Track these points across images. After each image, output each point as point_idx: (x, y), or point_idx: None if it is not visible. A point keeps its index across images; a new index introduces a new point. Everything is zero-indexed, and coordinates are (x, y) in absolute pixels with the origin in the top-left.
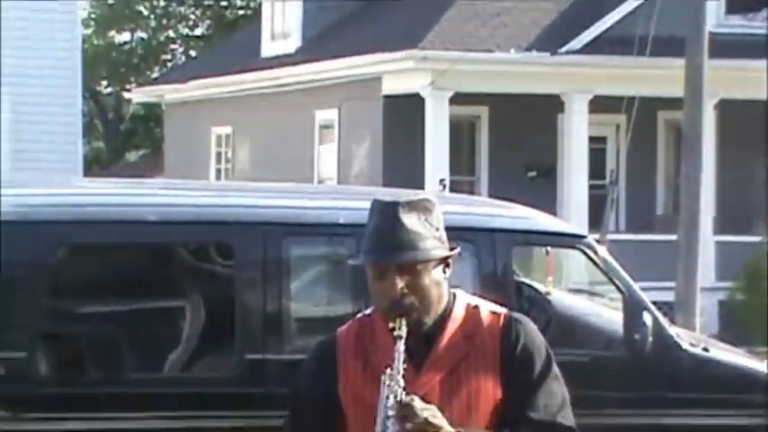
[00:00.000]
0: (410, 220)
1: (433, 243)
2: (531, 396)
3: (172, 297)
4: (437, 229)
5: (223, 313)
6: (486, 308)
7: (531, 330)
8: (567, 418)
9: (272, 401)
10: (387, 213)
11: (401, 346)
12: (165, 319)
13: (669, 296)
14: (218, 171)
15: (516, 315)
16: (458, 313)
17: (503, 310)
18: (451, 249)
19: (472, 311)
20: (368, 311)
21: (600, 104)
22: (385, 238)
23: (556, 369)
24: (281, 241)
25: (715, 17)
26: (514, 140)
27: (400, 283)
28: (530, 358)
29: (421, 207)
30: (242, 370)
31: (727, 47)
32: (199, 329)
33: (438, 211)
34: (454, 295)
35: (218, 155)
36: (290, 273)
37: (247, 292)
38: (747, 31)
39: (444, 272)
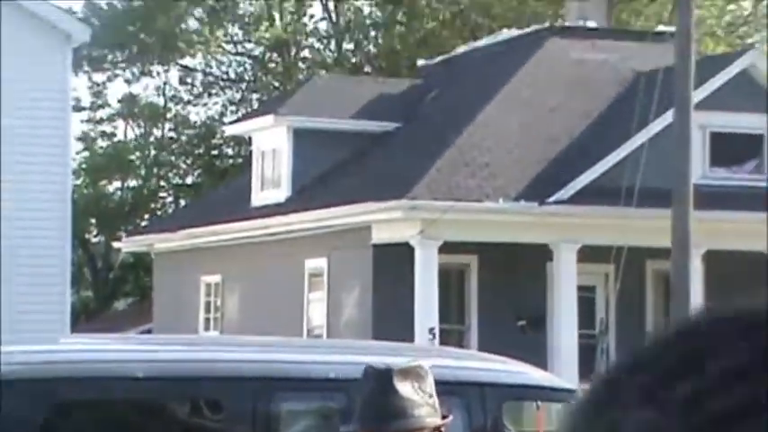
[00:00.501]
0: (404, 388)
1: (428, 410)
2: None
3: None
4: (430, 396)
5: None
6: None
7: None
8: None
9: None
10: (381, 380)
11: None
12: None
13: None
14: (207, 320)
15: None
16: None
17: None
18: (444, 417)
19: None
20: None
21: (588, 254)
22: (380, 405)
23: None
24: (271, 396)
25: (700, 169)
26: (504, 289)
27: None
28: None
29: (414, 374)
30: None
31: (712, 198)
32: None
33: (431, 378)
34: None
35: (208, 304)
36: (279, 429)
37: None
38: (732, 183)
39: None
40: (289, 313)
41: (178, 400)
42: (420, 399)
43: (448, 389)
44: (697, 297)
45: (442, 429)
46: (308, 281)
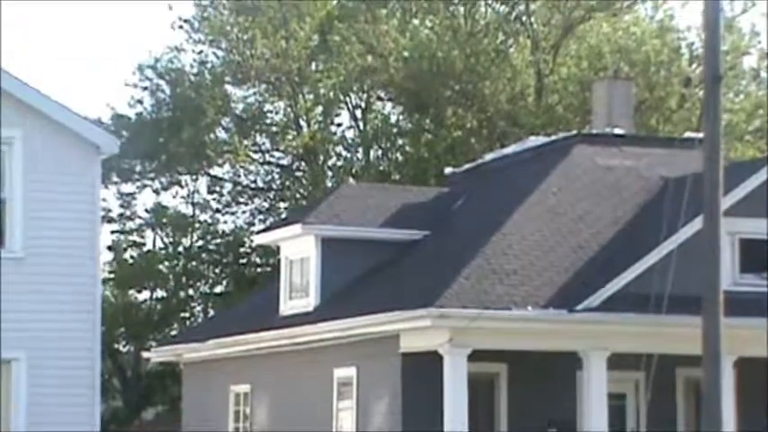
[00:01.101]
0: None
1: None
2: None
3: None
4: None
5: None
6: None
7: None
8: None
9: None
10: None
11: None
12: None
13: None
14: (237, 429)
15: None
16: None
17: None
18: None
19: None
20: None
21: (618, 361)
22: None
23: None
24: None
25: (730, 276)
26: (534, 397)
27: None
28: None
29: None
30: None
31: (742, 305)
32: None
33: None
34: None
35: (237, 413)
36: None
37: None
38: (762, 289)
39: None
40: (318, 422)
41: None
42: None
43: None
44: (728, 405)
45: None
46: (336, 389)
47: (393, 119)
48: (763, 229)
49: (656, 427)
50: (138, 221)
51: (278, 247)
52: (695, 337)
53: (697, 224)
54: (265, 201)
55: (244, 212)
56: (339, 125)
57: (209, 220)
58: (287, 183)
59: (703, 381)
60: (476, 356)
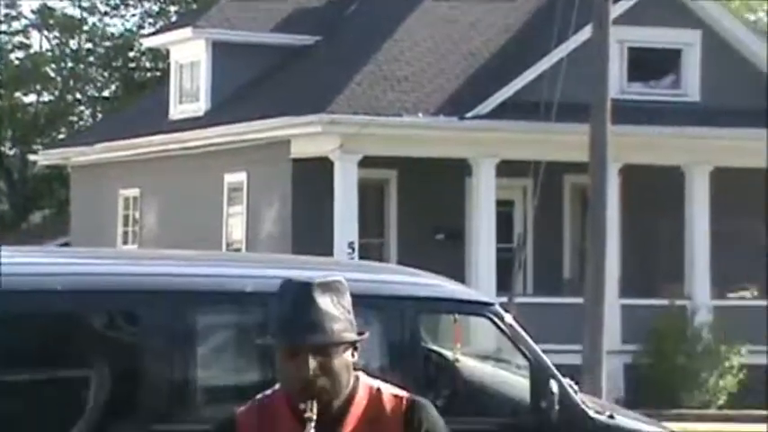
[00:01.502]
0: (324, 302)
1: (346, 325)
2: None
3: (77, 367)
4: (348, 312)
5: (129, 383)
6: (388, 391)
7: (434, 415)
8: None
9: None
10: (301, 294)
11: (311, 429)
12: (70, 389)
13: (576, 359)
14: (126, 234)
15: (418, 399)
16: (361, 397)
17: (404, 394)
18: (360, 334)
19: (375, 395)
20: (268, 392)
21: (507, 168)
22: (300, 319)
23: None
24: (188, 310)
25: (618, 84)
26: (423, 203)
27: (313, 365)
28: None
29: (334, 289)
30: None
31: (629, 113)
32: (105, 399)
33: (348, 293)
34: (357, 378)
35: (126, 217)
36: (196, 342)
37: (153, 362)
38: (650, 97)
39: (353, 355)
40: (208, 227)
41: (97, 314)
42: (339, 313)
43: (365, 302)
44: (613, 211)
45: (357, 345)
46: (227, 195)
47: None
48: (652, 38)
49: (543, 232)
50: (23, 22)
51: (168, 51)
52: (583, 144)
53: (587, 32)
54: (155, 4)
55: (133, 15)
56: None
57: (98, 23)
58: None
59: (590, 187)
60: (366, 162)
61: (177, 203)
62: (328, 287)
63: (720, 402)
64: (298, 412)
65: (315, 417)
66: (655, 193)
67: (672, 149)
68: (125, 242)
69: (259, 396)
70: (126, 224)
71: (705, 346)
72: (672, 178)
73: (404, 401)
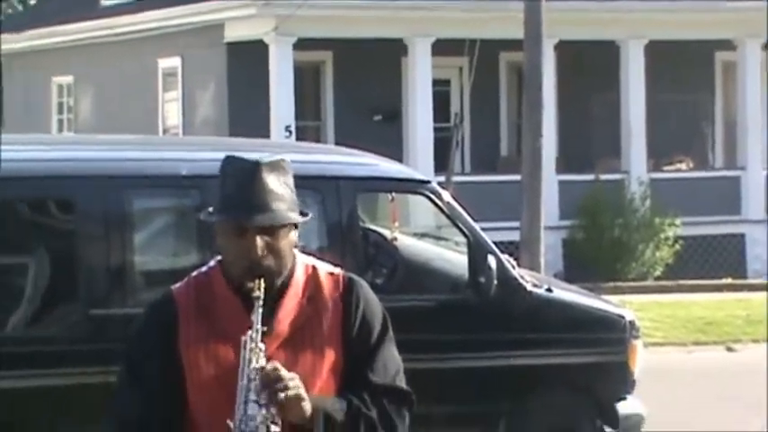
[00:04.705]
0: (271, 181)
1: (291, 205)
2: (371, 359)
3: (13, 254)
4: (292, 191)
5: (66, 269)
6: (324, 269)
7: (369, 293)
8: (403, 381)
9: (117, 357)
10: (248, 173)
11: (260, 308)
12: (6, 276)
13: (514, 236)
14: (60, 121)
15: (354, 277)
16: (299, 275)
17: (339, 272)
18: (302, 214)
19: (312, 273)
20: (203, 269)
21: (443, 47)
22: (248, 198)
23: (391, 332)
24: (123, 194)
25: None
26: (359, 85)
27: (261, 245)
28: (370, 321)
29: (280, 168)
30: (85, 326)
31: None
32: (41, 286)
33: (292, 173)
34: (294, 256)
35: (60, 105)
36: (132, 226)
37: (89, 247)
38: None
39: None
40: (143, 113)
41: (30, 200)
42: (285, 193)
43: (301, 183)
44: (549, 87)
45: (299, 225)
46: (162, 80)
47: None
48: None
49: (480, 110)
50: None
51: None
52: (518, 20)
53: None
54: None
55: None
56: None
57: None
58: None
59: (525, 64)
60: (301, 45)
61: (112, 90)
62: (275, 166)
63: (657, 274)
64: (235, 288)
65: (262, 295)
66: (591, 68)
67: (607, 23)
68: (60, 130)
69: (194, 273)
70: (60, 112)
71: (641, 219)
72: (607, 53)
73: (340, 279)
